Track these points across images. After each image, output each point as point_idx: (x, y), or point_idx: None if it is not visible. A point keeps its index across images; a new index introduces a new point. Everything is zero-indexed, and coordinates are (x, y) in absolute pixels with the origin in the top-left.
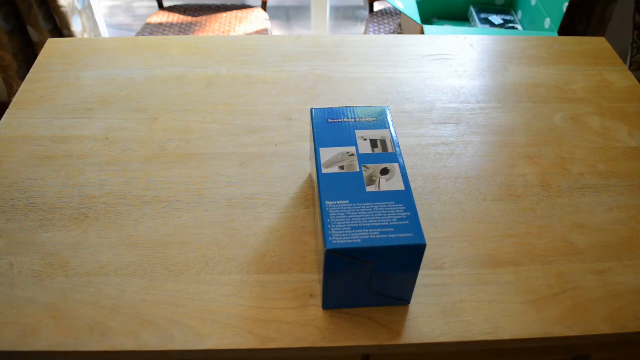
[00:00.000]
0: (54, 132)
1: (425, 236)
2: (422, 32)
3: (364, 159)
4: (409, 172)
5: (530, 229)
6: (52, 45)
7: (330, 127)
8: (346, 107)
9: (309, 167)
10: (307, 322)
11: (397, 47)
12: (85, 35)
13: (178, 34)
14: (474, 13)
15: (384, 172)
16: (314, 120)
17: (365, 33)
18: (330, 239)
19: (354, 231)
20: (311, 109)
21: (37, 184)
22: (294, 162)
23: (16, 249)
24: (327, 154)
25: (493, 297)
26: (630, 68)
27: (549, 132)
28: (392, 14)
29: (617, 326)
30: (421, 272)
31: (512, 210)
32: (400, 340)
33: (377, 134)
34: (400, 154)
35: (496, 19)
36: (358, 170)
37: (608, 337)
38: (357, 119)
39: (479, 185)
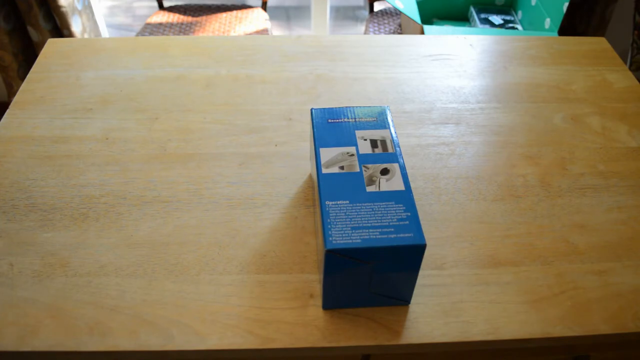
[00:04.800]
0: (54, 132)
1: (425, 236)
2: (422, 32)
3: (364, 159)
4: (409, 172)
5: (530, 229)
6: (52, 45)
7: (330, 127)
8: (346, 107)
9: (309, 167)
10: (307, 322)
11: (397, 47)
12: (85, 35)
13: (178, 34)
14: (474, 13)
15: (384, 172)
16: (314, 120)
17: (365, 33)
18: (330, 239)
19: (354, 231)
20: (311, 109)
21: (37, 184)
22: (294, 162)
23: (16, 249)
24: (327, 154)
25: (493, 297)
26: (630, 68)
27: (549, 132)
28: (392, 14)
29: (617, 326)
30: (421, 272)
31: (512, 210)
32: (400, 340)
33: (377, 134)
34: (400, 154)
35: (496, 19)
36: (358, 170)
37: (608, 337)
38: (357, 119)
39: (479, 185)
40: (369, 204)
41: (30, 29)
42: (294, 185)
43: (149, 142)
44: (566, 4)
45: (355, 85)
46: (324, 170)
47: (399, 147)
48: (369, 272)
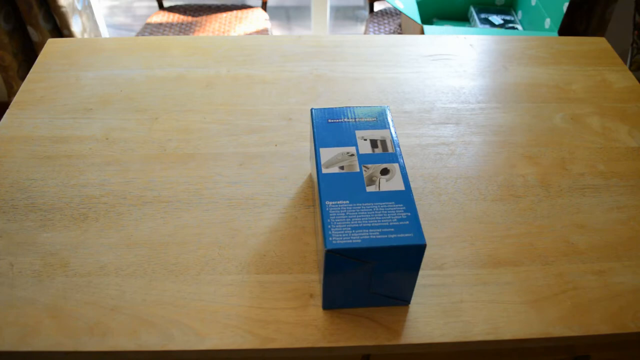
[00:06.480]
0: (54, 132)
1: (425, 236)
2: (422, 32)
3: (364, 159)
4: (409, 172)
5: (530, 229)
6: (52, 45)
7: (330, 127)
8: (346, 107)
9: (309, 167)
10: (307, 322)
11: (397, 47)
12: (85, 35)
13: (178, 34)
14: (474, 13)
15: (384, 172)
16: (314, 120)
17: (365, 33)
18: (330, 239)
19: (354, 231)
20: (311, 109)
21: (37, 184)
22: (294, 162)
23: (16, 249)
24: (327, 154)
25: (493, 297)
26: (630, 68)
27: (549, 132)
28: (392, 14)
29: (617, 326)
30: (421, 272)
31: (512, 210)
32: (400, 340)
33: (377, 134)
34: (400, 154)
35: (496, 19)
36: (358, 170)
37: (608, 337)
38: (357, 119)
39: (479, 185)
40: (369, 204)
41: (30, 29)
42: (294, 185)
43: (149, 142)
44: (566, 4)
45: (355, 85)
46: (324, 170)
47: (399, 147)
48: (369, 272)
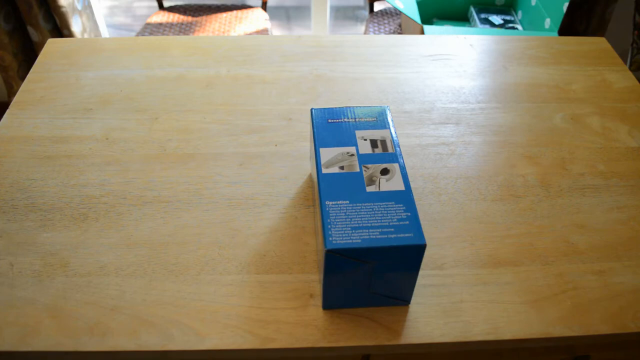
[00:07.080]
0: (54, 132)
1: (425, 236)
2: (422, 32)
3: (364, 159)
4: (409, 172)
5: (530, 229)
6: (52, 45)
7: (330, 127)
8: (346, 107)
9: (309, 167)
10: (307, 322)
11: (397, 47)
12: (85, 35)
13: (178, 34)
14: (474, 13)
15: (384, 172)
16: (314, 120)
17: (365, 33)
18: (330, 239)
19: (354, 231)
20: (311, 109)
21: (37, 184)
22: (294, 162)
23: (16, 249)
24: (327, 154)
25: (493, 297)
26: (630, 68)
27: (549, 132)
28: (392, 14)
29: (617, 326)
30: (421, 272)
31: (512, 210)
32: (400, 340)
33: (377, 134)
34: (400, 154)
35: (496, 19)
36: (358, 170)
37: (608, 337)
38: (357, 119)
39: (479, 185)
40: (369, 204)
41: (30, 29)
42: (294, 185)
43: (149, 142)
44: (566, 4)
45: (355, 85)
46: (324, 170)
47: (399, 147)
48: (369, 272)
